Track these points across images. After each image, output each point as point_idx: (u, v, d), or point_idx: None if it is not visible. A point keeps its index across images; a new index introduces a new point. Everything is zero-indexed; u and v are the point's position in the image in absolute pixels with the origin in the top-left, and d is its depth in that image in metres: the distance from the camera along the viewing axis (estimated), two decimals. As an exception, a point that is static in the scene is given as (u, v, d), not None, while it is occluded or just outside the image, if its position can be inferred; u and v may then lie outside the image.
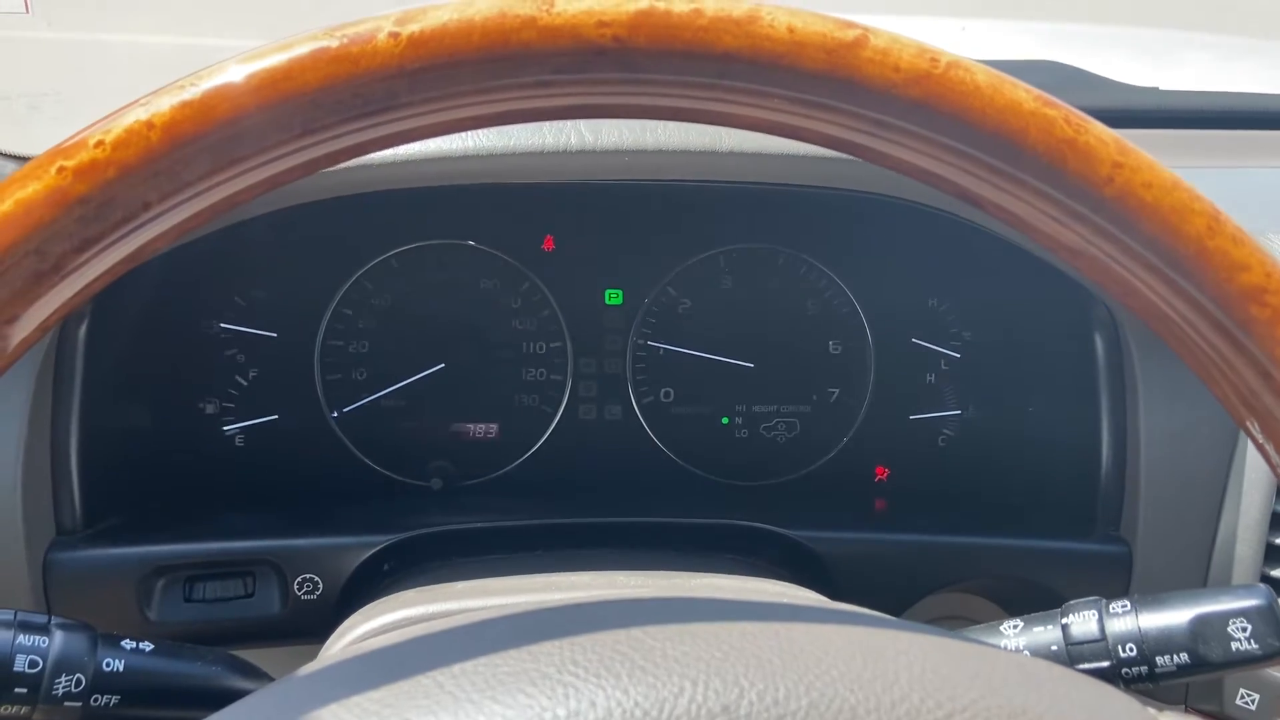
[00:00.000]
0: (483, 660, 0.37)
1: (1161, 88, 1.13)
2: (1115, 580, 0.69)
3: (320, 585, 0.68)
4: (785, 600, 0.51)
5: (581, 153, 0.64)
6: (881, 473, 0.86)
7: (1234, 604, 0.49)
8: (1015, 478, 0.81)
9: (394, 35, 0.33)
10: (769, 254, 0.84)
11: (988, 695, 0.36)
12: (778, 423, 0.86)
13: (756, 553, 0.75)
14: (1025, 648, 0.52)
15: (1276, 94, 1.21)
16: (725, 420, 0.86)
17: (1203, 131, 1.10)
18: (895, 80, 0.35)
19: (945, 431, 0.86)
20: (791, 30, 0.35)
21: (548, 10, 0.34)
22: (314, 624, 0.66)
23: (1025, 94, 0.36)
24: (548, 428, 0.84)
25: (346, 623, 0.57)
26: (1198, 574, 0.68)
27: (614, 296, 0.84)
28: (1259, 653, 0.48)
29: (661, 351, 0.84)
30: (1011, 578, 0.73)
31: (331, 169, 0.64)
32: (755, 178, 0.69)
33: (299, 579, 0.68)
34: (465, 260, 0.83)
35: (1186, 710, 0.69)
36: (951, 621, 0.73)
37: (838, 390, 0.85)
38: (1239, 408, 0.38)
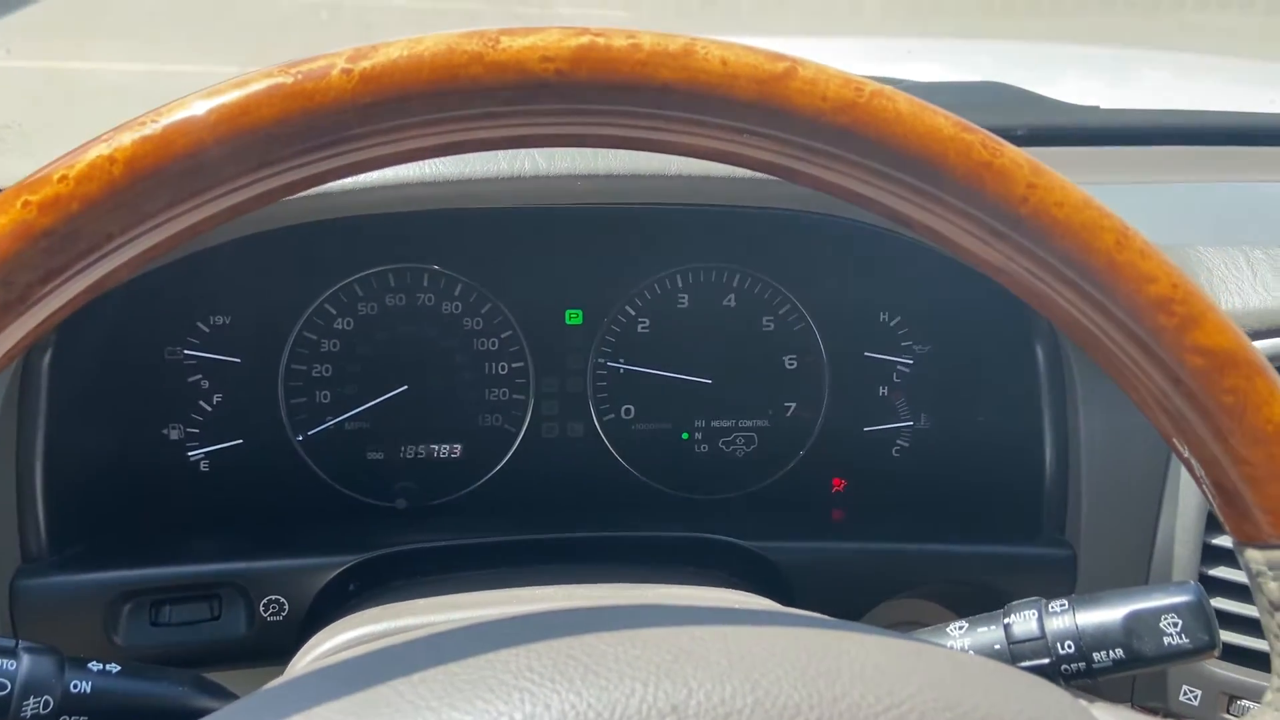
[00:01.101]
0: (441, 669, 0.38)
1: (1102, 106, 1.17)
2: (1061, 582, 0.71)
3: (286, 606, 0.69)
4: (735, 605, 0.53)
5: (535, 178, 0.65)
6: (838, 484, 0.88)
7: (1166, 600, 0.51)
8: (966, 485, 0.84)
9: (346, 71, 0.35)
10: (725, 273, 0.86)
11: (925, 690, 0.38)
12: (736, 437, 0.87)
13: (717, 564, 0.76)
14: (970, 648, 0.54)
15: (1215, 110, 1.26)
16: (685, 435, 0.87)
17: (1143, 148, 1.14)
18: (823, 109, 0.37)
19: (899, 442, 0.88)
20: (725, 63, 0.37)
21: (493, 46, 0.36)
22: (281, 645, 0.67)
23: (944, 120, 0.38)
24: (511, 447, 0.86)
25: (311, 641, 0.58)
26: (1139, 574, 0.70)
27: (574, 317, 0.86)
28: (1190, 647, 0.50)
29: (622, 370, 0.86)
30: (962, 582, 0.75)
31: (292, 197, 0.66)
32: (704, 200, 0.71)
33: (265, 600, 0.69)
34: (427, 283, 0.84)
35: (1132, 707, 0.71)
36: (905, 627, 0.75)
37: (794, 404, 0.88)
38: (1161, 419, 0.40)
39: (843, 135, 0.38)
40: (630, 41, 0.37)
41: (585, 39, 0.37)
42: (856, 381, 0.88)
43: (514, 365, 0.85)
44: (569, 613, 0.45)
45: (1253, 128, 1.18)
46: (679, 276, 0.86)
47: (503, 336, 0.85)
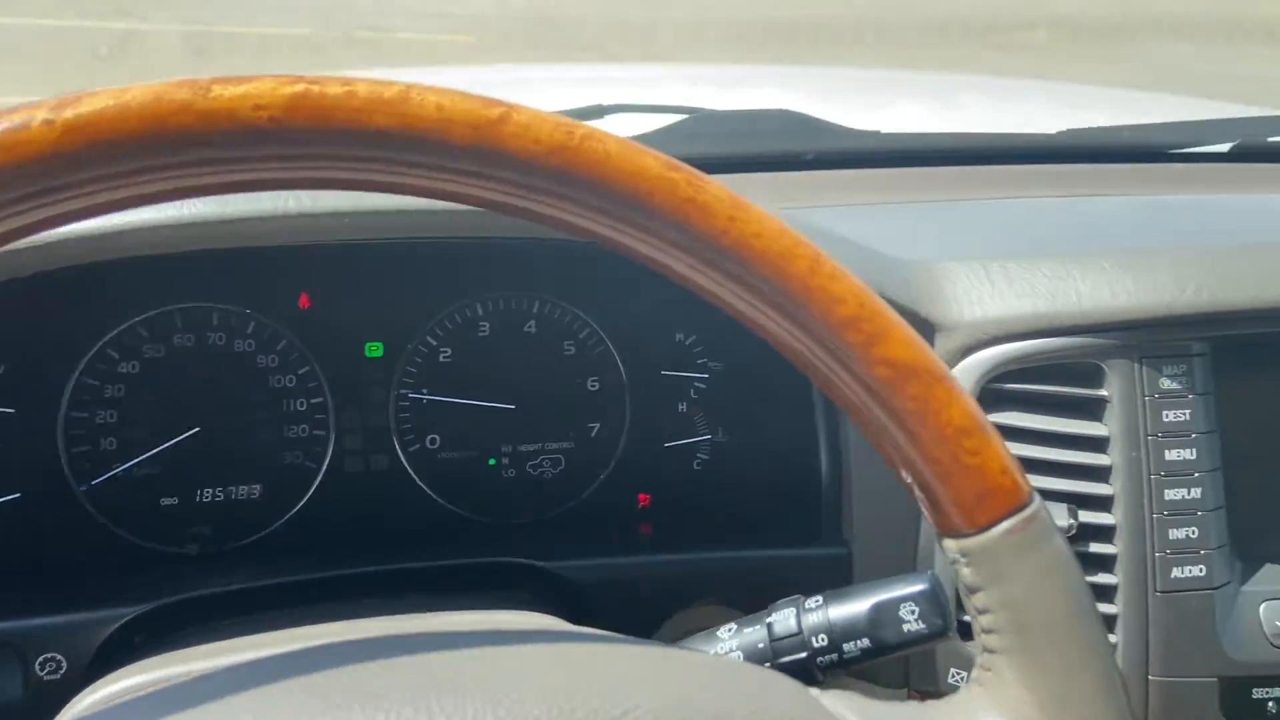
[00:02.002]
0: (179, 715, 0.39)
1: (882, 131, 1.25)
2: (841, 580, 0.76)
3: (64, 664, 0.66)
4: (501, 626, 0.55)
5: (300, 216, 0.66)
6: (644, 499, 0.91)
7: (904, 590, 0.56)
8: (760, 493, 0.88)
9: (48, 122, 0.35)
10: (524, 300, 0.88)
11: (659, 693, 0.41)
12: (543, 460, 0.89)
13: (519, 587, 0.78)
14: (737, 649, 0.57)
15: (982, 132, 1.37)
16: (492, 461, 0.88)
17: (919, 169, 1.22)
18: (536, 151, 0.40)
19: (700, 455, 0.92)
20: (440, 108, 0.39)
21: (204, 95, 0.37)
22: (59, 705, 0.64)
23: (653, 160, 0.41)
24: (312, 484, 0.85)
25: (76, 696, 0.56)
26: (907, 568, 0.76)
27: (374, 349, 0.86)
28: (927, 632, 0.55)
29: (425, 400, 0.87)
30: (753, 586, 0.79)
31: (47, 240, 0.64)
32: (466, 232, 0.73)
33: (41, 659, 0.66)
34: (216, 322, 0.82)
35: (909, 692, 0.76)
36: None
37: (598, 425, 0.90)
38: (867, 428, 0.44)
39: (557, 176, 0.40)
40: (345, 89, 0.38)
41: (300, 87, 0.38)
42: (656, 399, 0.91)
43: (313, 401, 0.84)
44: (331, 647, 0.45)
45: (1014, 147, 1.29)
46: (479, 305, 0.88)
47: (300, 373, 0.84)
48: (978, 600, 0.44)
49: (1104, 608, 0.71)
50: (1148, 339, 0.72)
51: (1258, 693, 0.71)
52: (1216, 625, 0.70)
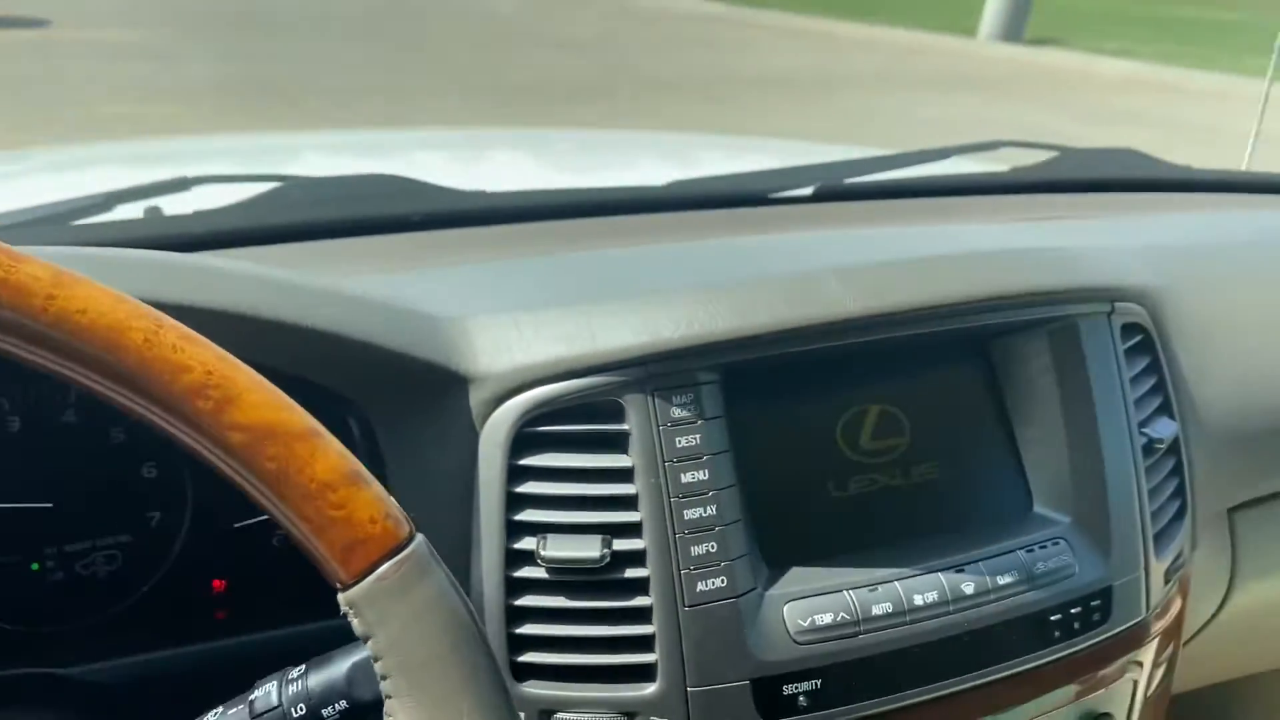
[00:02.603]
0: None
1: (488, 190, 1.29)
2: None
3: None
4: None
5: None
6: (219, 585, 0.87)
7: None
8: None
9: None
10: (59, 387, 0.82)
11: None
12: (95, 558, 0.83)
13: (51, 697, 0.72)
14: (219, 734, 0.55)
15: (598, 187, 1.44)
16: (35, 566, 0.81)
17: (529, 225, 1.27)
18: None
19: (279, 532, 0.89)
20: None
21: None
22: None
23: (-51, 242, 0.39)
24: None
25: None
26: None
27: None
28: None
29: None
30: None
31: None
32: None
33: None
34: None
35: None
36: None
37: (158, 514, 0.85)
38: (246, 492, 0.44)
39: None
40: None
41: None
42: (222, 479, 0.87)
43: None
44: None
45: (621, 200, 1.37)
46: (3, 398, 0.81)
47: None
48: (370, 649, 0.44)
49: (641, 629, 0.75)
50: (657, 372, 0.77)
51: (788, 689, 0.77)
52: (743, 631, 0.76)
